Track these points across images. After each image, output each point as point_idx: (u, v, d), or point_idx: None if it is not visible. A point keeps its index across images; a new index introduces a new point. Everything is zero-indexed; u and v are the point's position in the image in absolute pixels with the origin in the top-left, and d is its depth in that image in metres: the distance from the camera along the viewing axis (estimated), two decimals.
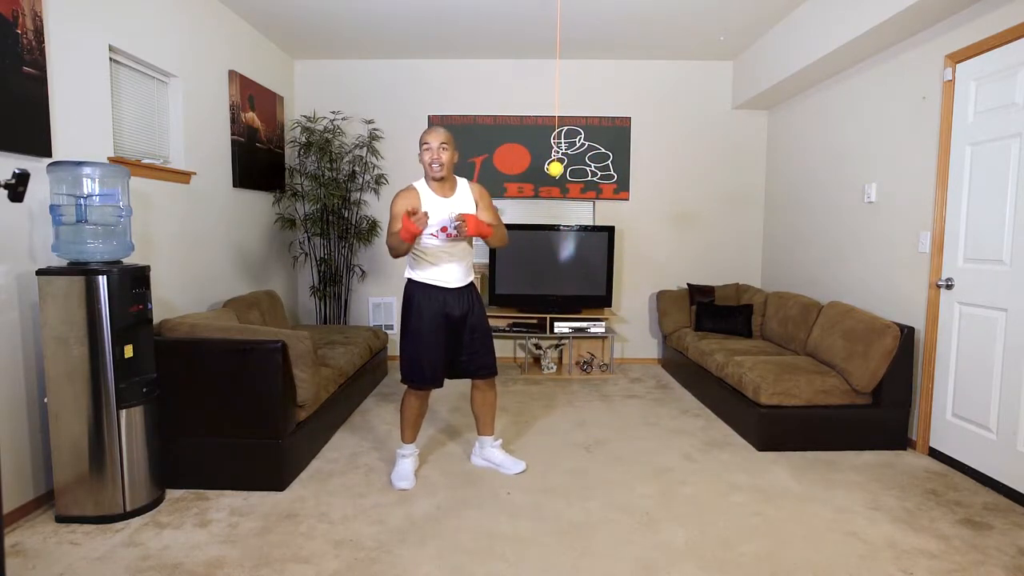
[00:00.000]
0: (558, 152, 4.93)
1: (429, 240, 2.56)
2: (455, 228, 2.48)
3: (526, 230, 4.70)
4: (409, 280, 2.65)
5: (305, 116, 4.77)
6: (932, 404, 3.05)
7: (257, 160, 4.20)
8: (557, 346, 4.86)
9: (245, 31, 4.07)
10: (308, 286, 4.98)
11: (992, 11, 2.67)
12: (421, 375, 2.62)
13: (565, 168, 4.95)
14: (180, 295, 3.32)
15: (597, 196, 5.00)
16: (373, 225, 4.82)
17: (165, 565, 2.02)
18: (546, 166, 2.97)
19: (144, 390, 2.39)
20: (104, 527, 2.27)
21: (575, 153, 4.97)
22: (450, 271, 2.61)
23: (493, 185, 4.96)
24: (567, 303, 4.74)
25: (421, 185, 2.61)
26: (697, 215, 5.06)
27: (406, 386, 2.68)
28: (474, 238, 2.63)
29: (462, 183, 2.69)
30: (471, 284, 2.72)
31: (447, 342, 2.65)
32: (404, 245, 2.45)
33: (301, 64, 4.94)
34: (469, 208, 2.64)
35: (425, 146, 2.52)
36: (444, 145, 2.52)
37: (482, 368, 2.72)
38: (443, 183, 2.60)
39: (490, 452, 2.83)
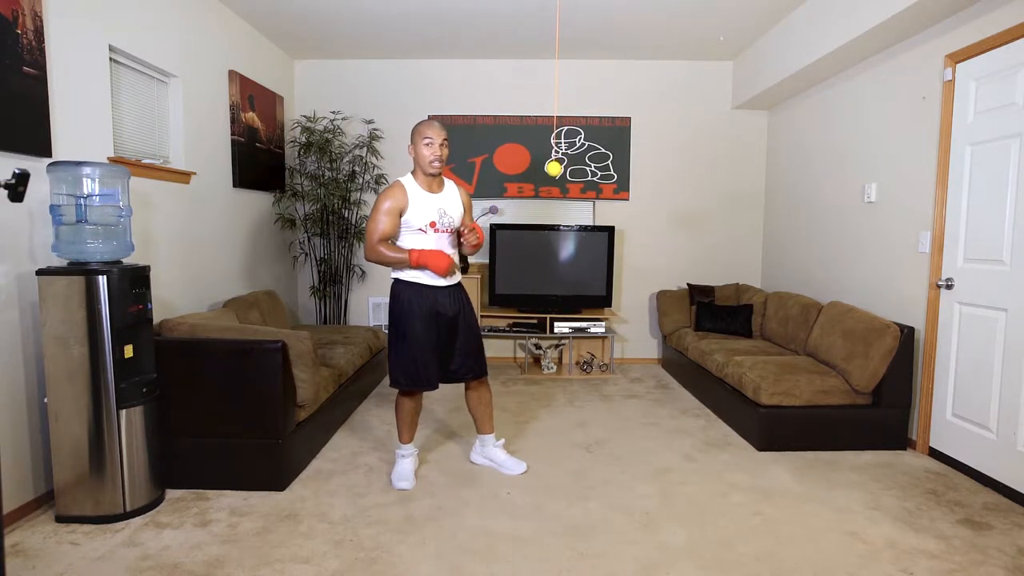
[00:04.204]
0: (558, 152, 4.93)
1: (415, 236, 2.53)
2: (464, 237, 2.54)
3: (526, 230, 4.70)
4: (396, 280, 2.59)
5: (305, 116, 4.77)
6: (932, 404, 3.05)
7: (257, 160, 4.20)
8: (557, 346, 4.86)
9: (245, 31, 4.08)
10: (308, 286, 4.98)
11: (992, 11, 2.67)
12: (416, 378, 2.57)
13: (565, 168, 4.95)
14: (180, 295, 3.32)
15: (597, 196, 5.00)
16: None
17: (165, 565, 2.02)
18: (545, 166, 2.96)
19: (144, 390, 2.38)
20: (104, 527, 2.27)
21: (575, 153, 4.97)
22: None
23: (493, 185, 4.97)
24: (567, 303, 4.74)
25: (409, 181, 2.54)
26: (697, 215, 5.06)
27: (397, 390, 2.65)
28: (450, 243, 2.62)
29: (449, 183, 2.67)
30: (459, 283, 2.68)
31: (439, 343, 2.60)
32: (404, 264, 2.46)
33: (301, 64, 4.94)
34: (456, 208, 2.63)
35: (427, 140, 2.47)
36: (446, 142, 2.52)
37: (473, 371, 2.68)
38: (432, 179, 2.57)
39: (492, 451, 2.82)
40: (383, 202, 2.47)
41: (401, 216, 2.50)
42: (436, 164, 2.50)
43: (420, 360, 2.56)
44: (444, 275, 2.50)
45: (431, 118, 4.84)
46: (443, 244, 2.57)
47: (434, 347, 2.59)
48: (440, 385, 2.66)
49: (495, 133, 4.95)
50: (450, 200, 2.61)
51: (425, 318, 2.55)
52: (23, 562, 2.04)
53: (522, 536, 2.23)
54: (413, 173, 2.58)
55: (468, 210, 2.72)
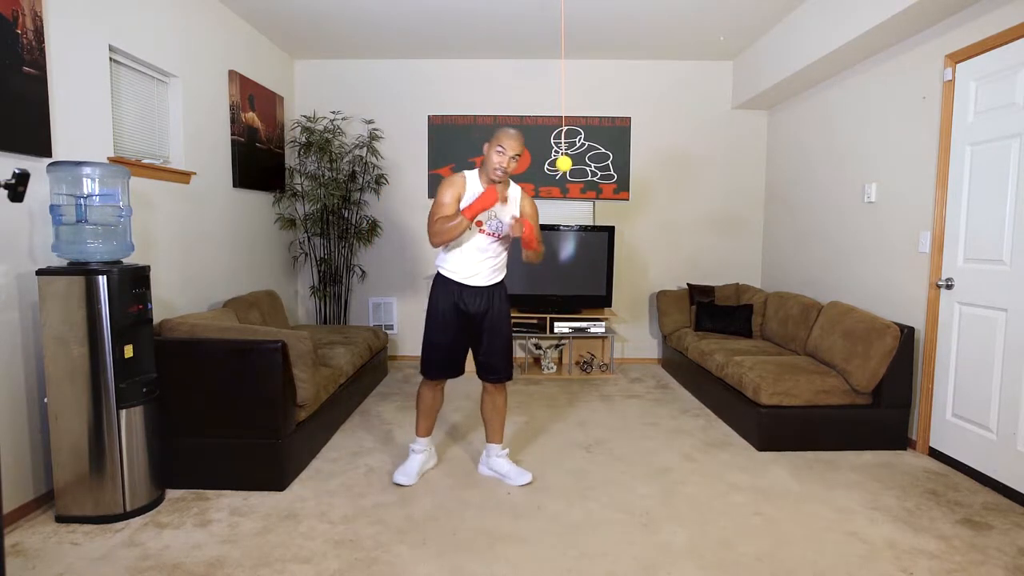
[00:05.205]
0: (559, 151, 4.93)
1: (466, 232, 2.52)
2: (508, 226, 2.45)
3: None
4: (437, 271, 2.65)
5: (305, 116, 4.77)
6: (932, 404, 3.05)
7: (257, 160, 4.20)
8: (557, 346, 4.86)
9: (245, 31, 4.07)
10: (308, 286, 4.98)
11: (992, 11, 2.67)
12: (429, 366, 2.64)
13: (570, 167, 4.94)
14: (180, 295, 3.32)
15: (597, 196, 5.00)
16: (373, 225, 4.82)
17: (165, 565, 2.02)
18: (556, 161, 2.92)
19: (144, 390, 2.38)
20: (104, 527, 2.27)
21: (575, 153, 4.96)
22: (475, 267, 2.56)
23: None
24: (567, 303, 4.74)
25: (472, 176, 2.57)
26: (697, 215, 5.06)
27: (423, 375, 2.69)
28: (495, 247, 2.59)
29: (515, 190, 2.64)
30: (496, 285, 2.65)
31: (464, 337, 2.63)
32: (463, 225, 2.40)
33: (301, 64, 4.94)
34: (512, 213, 2.59)
35: (500, 149, 2.46)
36: (516, 157, 2.49)
37: (493, 372, 2.66)
38: (494, 184, 2.54)
39: (496, 462, 2.76)
40: (445, 190, 2.51)
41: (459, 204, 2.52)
42: (499, 172, 2.49)
43: (435, 351, 2.62)
44: (495, 203, 2.41)
45: (433, 123, 4.87)
46: (485, 247, 2.55)
47: (452, 341, 2.61)
48: (448, 384, 2.67)
49: (495, 133, 4.94)
50: (506, 206, 2.57)
51: (446, 313, 2.58)
52: (23, 562, 2.04)
53: (522, 536, 2.23)
54: (479, 171, 2.58)
55: (531, 216, 2.65)
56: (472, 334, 2.64)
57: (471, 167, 4.88)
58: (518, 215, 2.60)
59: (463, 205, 2.50)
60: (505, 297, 2.69)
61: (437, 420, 3.50)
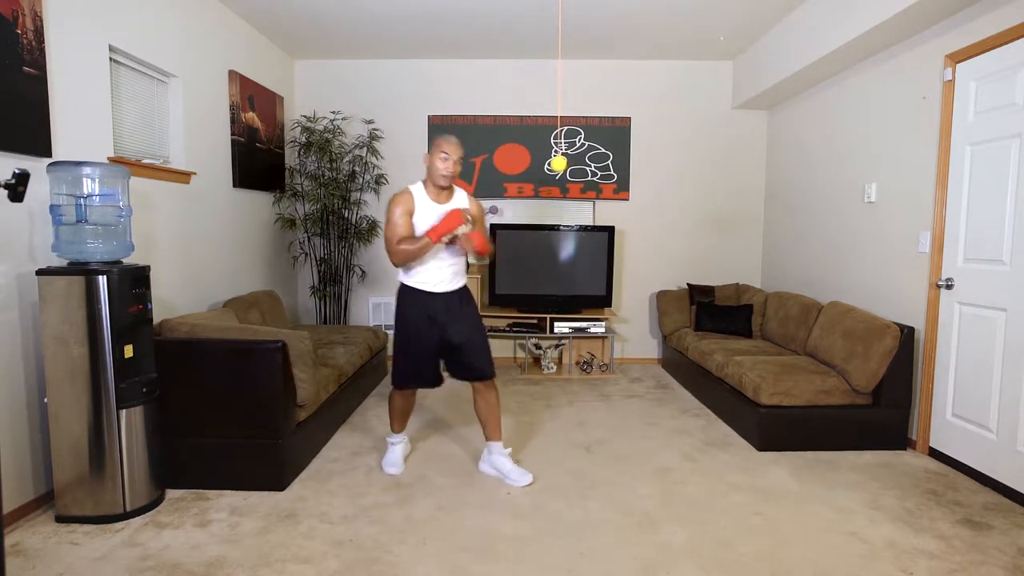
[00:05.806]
0: (558, 151, 4.93)
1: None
2: (457, 238, 2.52)
3: (526, 230, 4.70)
4: (400, 284, 2.68)
5: (305, 116, 4.77)
6: (932, 404, 3.05)
7: (257, 160, 4.20)
8: (557, 346, 4.86)
9: (245, 31, 4.07)
10: (308, 286, 4.98)
11: (992, 11, 2.67)
12: (400, 378, 2.69)
13: (565, 167, 4.95)
14: (180, 295, 3.32)
15: (597, 196, 5.00)
16: (373, 225, 4.82)
17: (165, 565, 2.02)
18: (551, 161, 2.93)
19: (144, 390, 2.38)
20: (104, 527, 2.27)
21: (575, 153, 4.97)
22: (438, 274, 2.61)
23: (493, 185, 4.97)
24: (567, 303, 4.74)
25: (417, 189, 2.62)
26: (697, 215, 5.06)
27: None
28: (451, 252, 2.64)
29: (460, 193, 2.70)
30: (461, 288, 2.71)
31: (438, 343, 2.65)
32: (430, 247, 2.50)
33: (301, 64, 4.94)
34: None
35: (443, 155, 2.53)
36: (460, 160, 2.57)
37: (472, 371, 2.68)
38: (441, 191, 2.62)
39: (498, 460, 2.77)
40: (395, 208, 2.56)
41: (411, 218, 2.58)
42: (445, 176, 2.55)
43: (407, 363, 2.67)
44: (460, 225, 2.48)
45: (433, 123, 4.90)
46: (444, 256, 2.62)
47: (423, 351, 2.64)
48: (441, 383, 2.73)
49: (495, 133, 4.95)
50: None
51: (417, 321, 2.62)
52: (23, 562, 2.04)
53: (522, 536, 2.23)
54: (424, 182, 2.64)
55: (477, 219, 2.68)
56: (444, 340, 2.65)
57: (471, 167, 4.94)
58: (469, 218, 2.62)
59: (417, 220, 2.57)
60: (470, 298, 2.75)
61: (434, 421, 3.52)
